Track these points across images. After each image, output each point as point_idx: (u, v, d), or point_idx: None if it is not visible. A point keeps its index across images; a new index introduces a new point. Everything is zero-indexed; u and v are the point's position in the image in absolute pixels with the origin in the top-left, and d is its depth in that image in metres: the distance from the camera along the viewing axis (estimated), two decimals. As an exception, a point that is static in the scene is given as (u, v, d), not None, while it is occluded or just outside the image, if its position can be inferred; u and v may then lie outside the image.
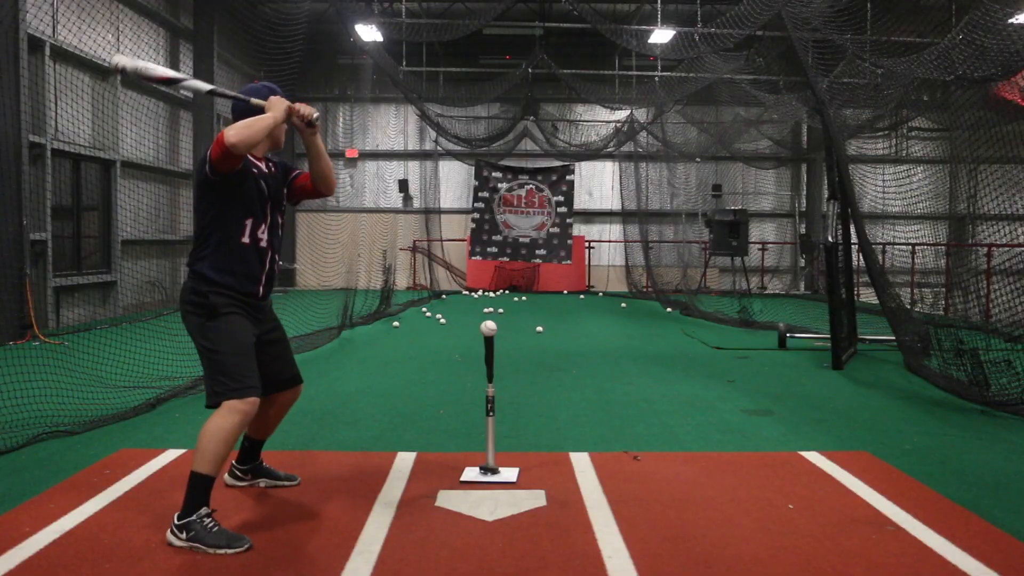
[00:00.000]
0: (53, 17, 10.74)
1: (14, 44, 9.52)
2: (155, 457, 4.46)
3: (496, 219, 18.55)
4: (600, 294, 19.00)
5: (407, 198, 20.90)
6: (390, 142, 20.90)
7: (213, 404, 3.33)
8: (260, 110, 3.42)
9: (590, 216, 21.03)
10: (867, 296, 12.54)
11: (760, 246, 20.06)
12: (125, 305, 12.60)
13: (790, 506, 3.73)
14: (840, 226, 8.33)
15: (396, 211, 20.72)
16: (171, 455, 4.51)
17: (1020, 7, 8.85)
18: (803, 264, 20.25)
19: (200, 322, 3.42)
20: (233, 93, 3.52)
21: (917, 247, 14.89)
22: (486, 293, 18.59)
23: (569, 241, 18.54)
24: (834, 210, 8.23)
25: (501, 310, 14.22)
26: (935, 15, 13.59)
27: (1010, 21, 8.15)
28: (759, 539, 3.33)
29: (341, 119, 20.85)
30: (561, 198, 18.68)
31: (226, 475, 3.97)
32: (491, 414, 4.16)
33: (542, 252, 18.58)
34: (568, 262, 18.73)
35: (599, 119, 20.46)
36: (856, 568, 3.05)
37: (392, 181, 20.86)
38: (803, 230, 20.30)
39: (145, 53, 13.54)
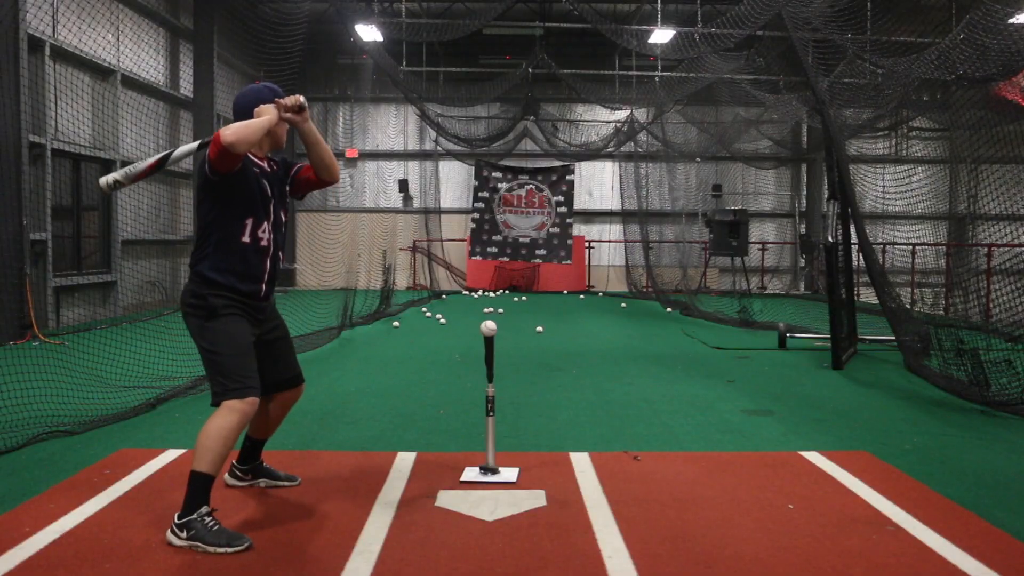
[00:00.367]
0: (53, 17, 10.75)
1: (14, 44, 9.52)
2: (155, 457, 4.46)
3: (496, 219, 18.55)
4: (600, 294, 19.00)
5: (407, 198, 20.90)
6: (390, 142, 20.91)
7: (216, 403, 3.36)
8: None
9: (590, 216, 21.03)
10: (867, 296, 12.54)
11: (760, 246, 20.06)
12: (125, 305, 12.60)
13: (790, 506, 3.73)
14: (840, 226, 8.33)
15: (396, 211, 20.72)
16: (171, 455, 4.51)
17: (1020, 7, 8.85)
18: (803, 264, 20.25)
19: (199, 323, 3.42)
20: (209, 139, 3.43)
21: (917, 247, 14.89)
22: (486, 293, 18.59)
23: (569, 241, 18.54)
24: (834, 210, 8.23)
25: (501, 310, 14.23)
26: (935, 15, 13.60)
27: (1010, 21, 8.16)
28: (759, 539, 3.33)
29: (341, 119, 20.86)
30: (561, 198, 18.68)
31: (226, 475, 3.97)
32: (491, 414, 4.16)
33: (542, 252, 18.58)
34: (568, 262, 18.73)
35: (599, 119, 20.46)
36: (856, 568, 3.05)
37: (392, 181, 20.86)
38: (803, 230, 20.30)
39: (145, 53, 13.54)
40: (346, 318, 10.57)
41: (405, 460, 4.45)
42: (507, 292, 18.96)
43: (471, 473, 4.14)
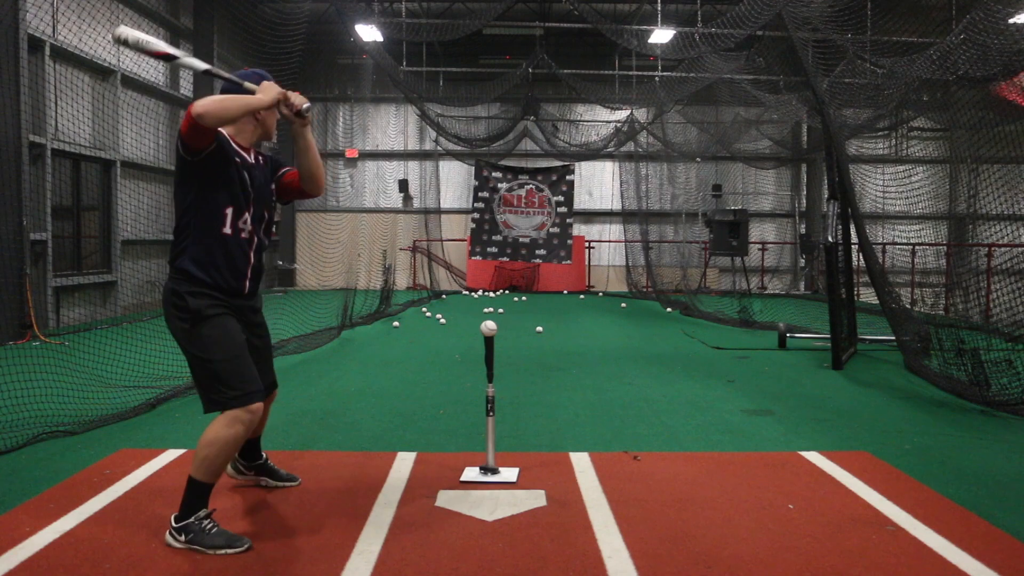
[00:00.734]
0: (53, 17, 10.75)
1: (14, 44, 9.52)
2: (155, 457, 4.46)
3: (496, 219, 18.56)
4: (600, 294, 19.00)
5: (407, 198, 20.91)
6: (390, 142, 20.91)
7: (212, 411, 3.23)
8: (251, 94, 3.28)
9: (590, 216, 21.03)
10: (867, 296, 12.54)
11: (760, 246, 20.06)
12: (125, 305, 12.59)
13: (790, 506, 3.72)
14: (840, 226, 8.33)
15: (396, 211, 20.72)
16: (171, 455, 4.51)
17: (1020, 7, 8.85)
18: (803, 264, 20.25)
19: (185, 328, 3.23)
20: (228, 75, 3.39)
21: (917, 247, 14.89)
22: (486, 293, 18.59)
23: (569, 241, 18.54)
24: (834, 210, 8.22)
25: (501, 310, 14.23)
26: (935, 15, 13.60)
27: (1011, 21, 8.16)
28: (759, 539, 3.33)
29: (341, 119, 20.86)
30: (561, 198, 18.69)
31: (228, 467, 3.84)
32: (491, 414, 4.16)
33: (542, 252, 18.58)
34: (568, 262, 18.73)
35: (599, 119, 20.47)
36: (856, 568, 3.04)
37: (392, 181, 20.87)
38: (803, 230, 20.30)
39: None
40: (346, 318, 10.57)
41: (405, 460, 4.45)
42: (507, 292, 18.96)
43: (471, 473, 4.14)
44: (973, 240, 12.06)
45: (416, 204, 20.72)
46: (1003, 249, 8.68)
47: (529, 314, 13.52)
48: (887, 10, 11.95)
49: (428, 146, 20.53)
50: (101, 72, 12.26)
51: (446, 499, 3.79)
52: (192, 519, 3.17)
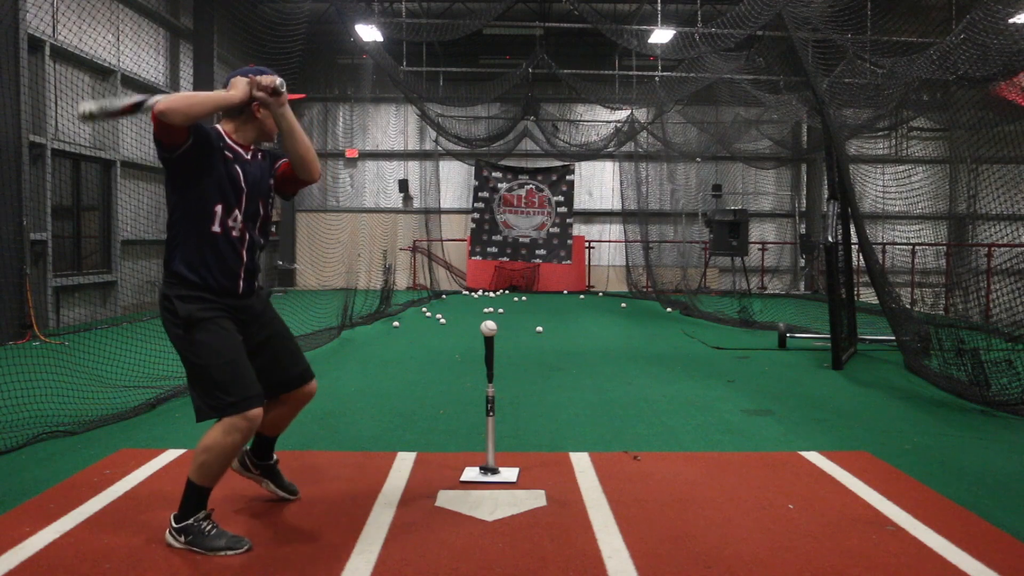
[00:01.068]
0: (53, 17, 10.74)
1: (14, 44, 9.52)
2: (155, 457, 4.46)
3: (496, 219, 18.56)
4: (600, 294, 19.00)
5: (407, 198, 20.91)
6: (390, 142, 20.91)
7: (206, 419, 3.15)
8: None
9: (590, 216, 21.03)
10: (867, 296, 12.54)
11: (760, 246, 20.06)
12: (125, 305, 12.59)
13: (790, 506, 3.73)
14: (840, 226, 8.33)
15: (396, 211, 20.73)
16: (171, 455, 4.51)
17: (1020, 7, 8.84)
18: (803, 264, 20.25)
19: (179, 334, 3.16)
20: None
21: (917, 247, 14.89)
22: (486, 293, 18.59)
23: (569, 241, 18.54)
24: (834, 210, 8.22)
25: (501, 310, 14.22)
26: (935, 15, 13.60)
27: (1011, 21, 8.15)
28: (759, 539, 3.33)
29: (341, 119, 20.86)
30: (561, 198, 18.69)
31: (235, 462, 3.70)
32: (491, 414, 4.16)
33: (542, 252, 18.58)
34: (568, 262, 18.73)
35: (599, 119, 20.46)
36: (856, 568, 3.04)
37: (392, 181, 20.87)
38: (803, 230, 20.30)
39: (145, 53, 13.54)
40: (346, 318, 10.57)
41: (405, 460, 4.45)
42: (507, 292, 18.96)
43: (471, 473, 4.14)
44: (973, 240, 12.06)
45: (416, 204, 20.72)
46: (1003, 249, 8.69)
47: (529, 314, 13.52)
48: (887, 10, 11.95)
49: (428, 146, 20.53)
50: (101, 72, 12.26)
51: (446, 499, 3.79)
52: (191, 520, 3.15)
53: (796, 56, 9.28)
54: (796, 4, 8.74)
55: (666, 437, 5.11)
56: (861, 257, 9.02)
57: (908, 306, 10.96)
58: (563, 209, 18.66)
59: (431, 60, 18.31)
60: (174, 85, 14.82)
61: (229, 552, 3.11)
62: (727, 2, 14.53)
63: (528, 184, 18.72)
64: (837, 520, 3.55)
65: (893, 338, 8.52)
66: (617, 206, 20.13)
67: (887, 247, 15.14)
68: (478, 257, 18.65)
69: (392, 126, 20.96)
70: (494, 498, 3.80)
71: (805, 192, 21.04)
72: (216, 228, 3.20)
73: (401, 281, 18.65)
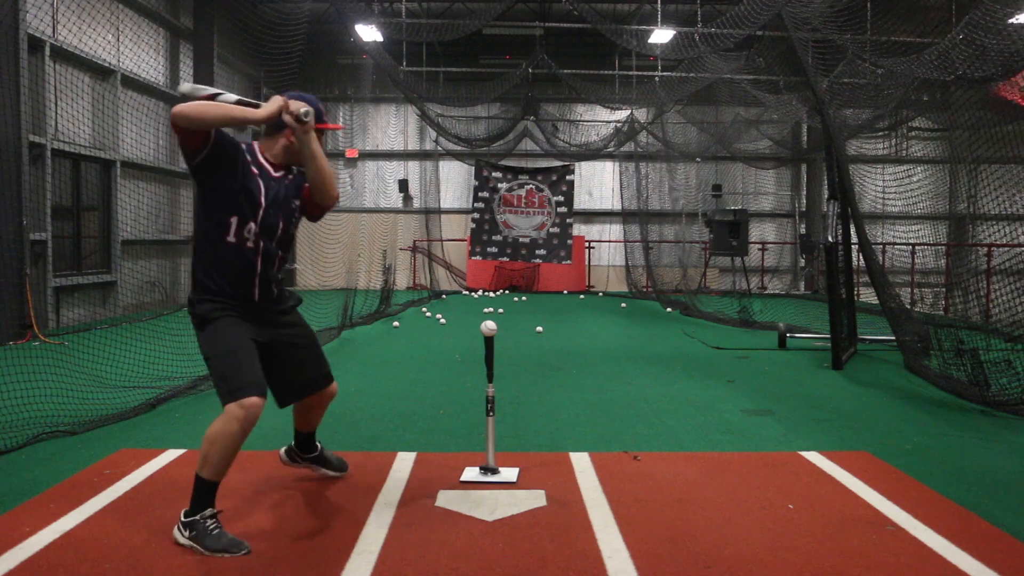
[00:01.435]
0: (53, 17, 10.74)
1: (14, 44, 9.52)
2: (155, 457, 4.46)
3: (496, 219, 18.56)
4: (600, 294, 19.00)
5: (407, 198, 20.91)
6: (390, 142, 20.91)
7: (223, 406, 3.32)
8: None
9: (590, 216, 21.03)
10: (867, 296, 12.54)
11: (760, 246, 20.06)
12: (125, 305, 12.59)
13: (790, 506, 3.73)
14: (840, 226, 8.33)
15: (396, 211, 20.73)
16: (171, 455, 4.51)
17: (1020, 7, 8.85)
18: (803, 264, 20.25)
19: (197, 331, 3.41)
20: (250, 100, 3.43)
21: (917, 247, 14.90)
22: (486, 293, 18.59)
23: (569, 241, 18.54)
24: (834, 210, 8.22)
25: (501, 310, 14.23)
26: (935, 15, 13.59)
27: (1010, 21, 8.15)
28: (759, 539, 3.33)
29: (341, 119, 20.85)
30: (561, 198, 18.69)
31: (282, 452, 4.10)
32: (491, 414, 4.16)
33: (542, 252, 18.58)
34: (568, 262, 18.73)
35: (599, 119, 20.46)
36: (856, 568, 3.05)
37: (392, 181, 20.87)
38: (803, 230, 20.30)
39: (145, 53, 13.54)
40: (346, 318, 10.57)
41: (405, 460, 4.45)
42: (507, 292, 18.96)
43: (471, 473, 4.14)
44: (973, 240, 12.06)
45: (416, 204, 20.72)
46: (1003, 249, 8.69)
47: (529, 314, 13.52)
48: (887, 10, 11.94)
49: (428, 146, 20.52)
50: (101, 72, 12.26)
51: (446, 499, 3.79)
52: (198, 517, 3.19)
53: (796, 56, 9.28)
54: (796, 4, 8.74)
55: (666, 437, 5.11)
56: (861, 257, 9.02)
57: (908, 306, 10.96)
58: (563, 209, 18.66)
59: (431, 60, 18.31)
60: (174, 85, 14.82)
61: (227, 555, 3.12)
62: (727, 2, 14.53)
63: (528, 184, 18.72)
64: (837, 520, 3.55)
65: (893, 338, 8.52)
66: (617, 206, 20.13)
67: (887, 247, 15.14)
68: (478, 257, 18.65)
69: (392, 126, 20.96)
70: (494, 498, 3.81)
71: (805, 192, 21.04)
72: (231, 239, 3.37)
73: (401, 281, 18.65)
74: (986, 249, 11.84)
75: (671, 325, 11.95)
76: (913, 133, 17.77)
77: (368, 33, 13.70)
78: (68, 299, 11.35)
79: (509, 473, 4.14)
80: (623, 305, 15.50)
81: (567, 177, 18.73)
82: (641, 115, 18.76)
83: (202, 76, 15.10)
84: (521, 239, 18.54)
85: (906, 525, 3.49)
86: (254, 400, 3.23)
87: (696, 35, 12.70)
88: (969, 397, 6.20)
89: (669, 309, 14.36)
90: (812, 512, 3.65)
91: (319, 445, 4.05)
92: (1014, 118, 7.26)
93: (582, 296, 18.44)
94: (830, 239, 8.15)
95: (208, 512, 3.20)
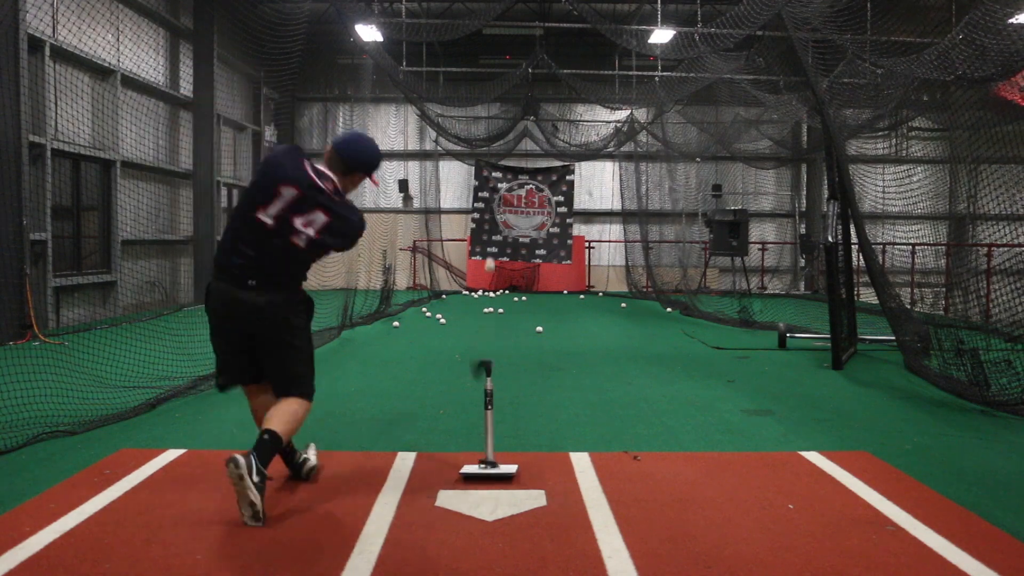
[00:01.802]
0: (53, 17, 10.74)
1: (14, 44, 9.52)
2: (155, 457, 4.46)
3: (496, 219, 18.56)
4: (600, 294, 19.00)
5: (407, 198, 20.91)
6: (390, 142, 20.90)
7: None
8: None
9: (590, 216, 21.03)
10: (867, 296, 12.54)
11: (760, 246, 20.06)
12: (125, 305, 12.59)
13: (790, 506, 3.73)
14: (840, 226, 8.33)
15: (396, 211, 20.72)
16: (171, 455, 4.51)
17: (1020, 7, 8.85)
18: (803, 264, 20.25)
19: (299, 320, 3.96)
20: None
21: (917, 247, 14.90)
22: (486, 293, 18.59)
23: (569, 241, 18.54)
24: (834, 210, 8.22)
25: (501, 310, 14.23)
26: (935, 15, 13.59)
27: (1010, 21, 8.15)
28: (759, 539, 3.33)
29: (341, 119, 20.85)
30: (561, 198, 18.68)
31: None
32: (490, 407, 4.15)
33: (542, 252, 18.58)
34: (568, 262, 18.73)
35: (599, 119, 20.46)
36: (856, 568, 3.05)
37: (392, 181, 20.86)
38: (803, 230, 20.30)
39: (145, 53, 13.54)
40: (346, 318, 10.57)
41: (405, 460, 4.45)
42: (507, 292, 18.96)
43: (470, 467, 4.15)
44: (973, 240, 12.06)
45: (416, 204, 20.72)
46: (1003, 249, 8.69)
47: (529, 314, 13.52)
48: (887, 10, 11.94)
49: (428, 146, 20.52)
50: (101, 72, 12.25)
51: (446, 499, 3.79)
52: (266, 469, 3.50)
53: (796, 56, 9.28)
54: (796, 4, 8.74)
55: (666, 437, 5.11)
56: (861, 257, 9.02)
57: (908, 306, 10.96)
58: (563, 209, 18.65)
59: (431, 60, 18.31)
60: (174, 85, 14.83)
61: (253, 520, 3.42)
62: (727, 2, 14.53)
63: (528, 184, 18.71)
64: (837, 520, 3.55)
65: (893, 338, 8.52)
66: (617, 206, 20.12)
67: (887, 247, 15.14)
68: (478, 257, 18.64)
69: (392, 126, 20.96)
70: (494, 498, 3.81)
71: (805, 192, 21.04)
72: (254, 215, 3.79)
73: (401, 281, 18.64)
74: (986, 249, 11.84)
75: (671, 325, 11.95)
76: (913, 133, 17.77)
77: (368, 33, 13.70)
78: (68, 299, 11.35)
79: (508, 467, 4.15)
80: (623, 305, 15.50)
81: (567, 177, 18.72)
82: (641, 115, 18.76)
83: (202, 76, 15.11)
84: (521, 239, 18.53)
85: (906, 525, 3.49)
86: (225, 383, 3.95)
87: (696, 35, 12.70)
88: (969, 397, 6.20)
89: (669, 309, 14.36)
90: (812, 512, 3.65)
91: (295, 458, 4.17)
92: (1014, 118, 7.26)
93: (582, 296, 18.44)
94: (830, 239, 8.15)
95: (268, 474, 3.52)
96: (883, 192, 12.10)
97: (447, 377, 7.25)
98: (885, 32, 11.58)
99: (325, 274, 15.32)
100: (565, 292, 19.07)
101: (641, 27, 14.62)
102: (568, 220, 18.63)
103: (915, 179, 12.32)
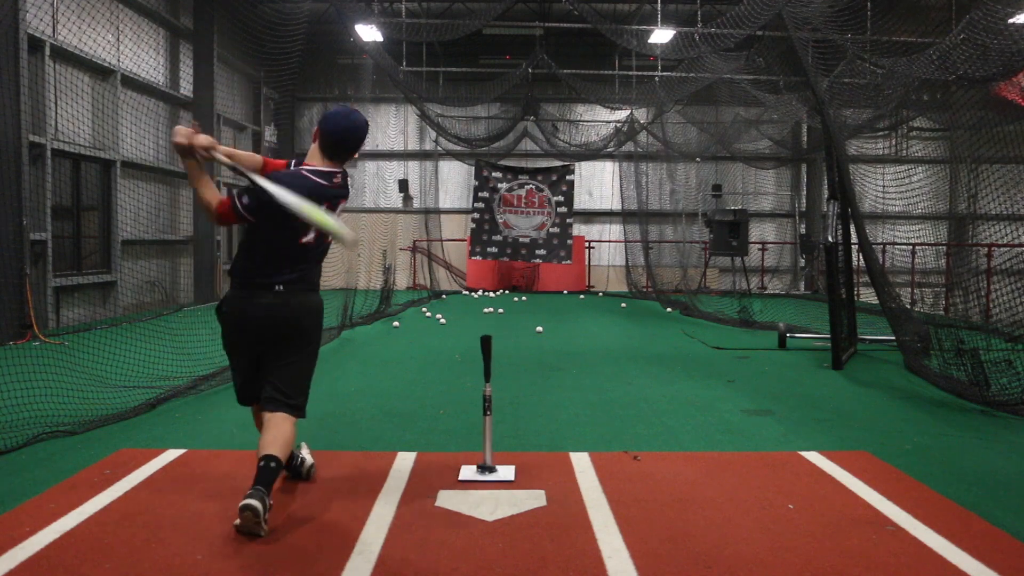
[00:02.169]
0: (53, 17, 10.74)
1: (14, 44, 9.52)
2: (155, 457, 4.46)
3: (496, 219, 18.56)
4: (600, 294, 19.00)
5: (407, 198, 20.91)
6: (390, 142, 20.91)
7: None
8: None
9: (590, 216, 21.03)
10: (867, 296, 12.54)
11: (760, 246, 20.06)
12: (125, 305, 12.59)
13: (790, 506, 3.73)
14: (840, 226, 8.33)
15: (396, 211, 20.72)
16: (171, 455, 4.51)
17: (1020, 7, 8.85)
18: (803, 264, 20.25)
19: (316, 330, 3.83)
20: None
21: (917, 247, 14.89)
22: (486, 293, 18.59)
23: (569, 241, 18.54)
24: (834, 210, 8.22)
25: (501, 310, 14.23)
26: (935, 15, 13.60)
27: (1011, 21, 8.16)
28: (759, 539, 3.33)
29: (341, 119, 20.82)
30: (561, 198, 18.68)
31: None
32: (488, 413, 4.15)
33: (542, 252, 18.57)
34: (568, 262, 18.72)
35: (599, 119, 20.46)
36: (856, 568, 3.05)
37: (392, 181, 20.86)
38: (803, 230, 20.30)
39: (145, 53, 13.54)
40: (346, 318, 10.57)
41: (405, 460, 4.45)
42: (507, 292, 18.96)
43: (468, 472, 4.14)
44: (973, 240, 12.06)
45: (416, 204, 20.72)
46: (1003, 249, 8.69)
47: (529, 314, 13.52)
48: (887, 10, 11.95)
49: (428, 146, 20.52)
50: (101, 72, 12.25)
51: (446, 499, 3.79)
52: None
53: (796, 56, 9.28)
54: (796, 4, 8.74)
55: (666, 437, 5.11)
56: (861, 257, 9.01)
57: (908, 306, 10.96)
58: (563, 209, 18.65)
59: (431, 60, 18.31)
60: (174, 85, 14.83)
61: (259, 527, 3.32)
62: (727, 2, 14.53)
63: (528, 184, 18.71)
64: (837, 520, 3.55)
65: (893, 338, 8.52)
66: (617, 206, 20.12)
67: (887, 247, 15.14)
68: (478, 257, 18.65)
69: (392, 126, 20.96)
70: (494, 498, 3.80)
71: (805, 192, 21.04)
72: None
73: (401, 281, 18.64)
74: (986, 249, 11.84)
75: (671, 325, 11.95)
76: (913, 133, 17.76)
77: (368, 33, 13.70)
78: (68, 299, 11.35)
79: (506, 471, 4.14)
80: (623, 305, 15.50)
81: (567, 177, 18.72)
82: (641, 115, 18.75)
83: (202, 76, 15.11)
84: (521, 239, 18.53)
85: (906, 525, 3.49)
86: (244, 405, 3.92)
87: (696, 35, 12.70)
88: (969, 397, 6.20)
89: (669, 309, 14.36)
90: (812, 512, 3.65)
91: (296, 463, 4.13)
92: (1015, 118, 7.26)
93: (582, 296, 18.44)
94: (830, 239, 8.15)
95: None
96: (883, 192, 12.10)
97: (447, 377, 7.25)
98: (885, 32, 11.58)
99: (325, 274, 15.34)
100: (565, 292, 19.07)
101: (641, 27, 14.63)
102: (568, 220, 18.63)
103: (915, 179, 12.31)
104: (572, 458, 4.51)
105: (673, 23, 14.33)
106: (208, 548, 3.20)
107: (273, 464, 3.40)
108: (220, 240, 15.64)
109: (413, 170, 20.89)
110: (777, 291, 19.59)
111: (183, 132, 3.48)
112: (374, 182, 20.98)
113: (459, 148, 19.35)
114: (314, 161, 3.68)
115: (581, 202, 20.58)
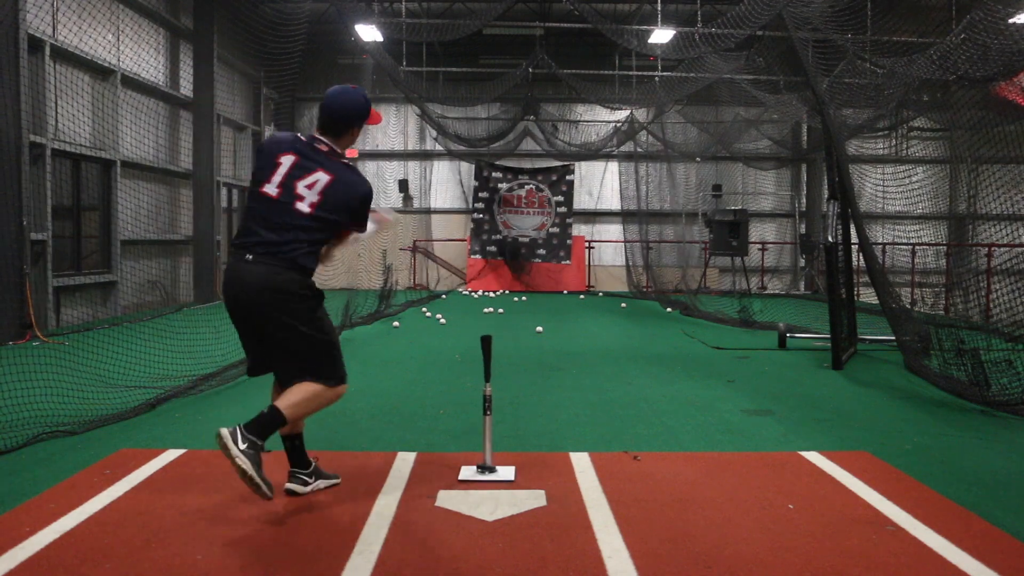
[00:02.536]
0: (53, 17, 10.74)
1: (14, 44, 9.52)
2: (155, 457, 4.46)
3: (496, 219, 18.57)
4: (600, 294, 19.00)
5: (407, 198, 20.91)
6: (390, 142, 20.91)
7: None
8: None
9: (590, 216, 21.03)
10: (867, 296, 12.55)
11: (760, 246, 20.06)
12: (125, 305, 12.59)
13: (790, 506, 3.73)
14: (840, 226, 8.33)
15: (396, 211, 20.72)
16: (171, 455, 4.51)
17: (1021, 7, 8.85)
18: (803, 264, 20.25)
19: (308, 306, 3.77)
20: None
21: (917, 247, 14.90)
22: (486, 293, 18.59)
23: (569, 241, 18.54)
24: (834, 210, 8.22)
25: (501, 310, 14.22)
26: (935, 15, 13.60)
27: (1011, 21, 8.16)
28: (759, 539, 3.33)
29: (341, 119, 20.83)
30: (561, 198, 18.69)
31: (290, 485, 3.83)
32: (488, 413, 4.15)
33: (542, 252, 18.59)
34: (568, 262, 18.73)
35: (599, 119, 20.47)
36: (856, 568, 3.05)
37: (392, 181, 20.87)
38: (803, 230, 20.30)
39: (145, 53, 13.54)
40: (346, 318, 10.57)
41: (405, 460, 4.45)
42: (507, 292, 18.97)
43: (468, 472, 4.14)
44: (973, 240, 12.06)
45: (416, 204, 20.72)
46: (1003, 249, 8.68)
47: (529, 314, 13.52)
48: (887, 10, 11.95)
49: (428, 146, 20.52)
50: (101, 72, 12.25)
51: (446, 499, 3.79)
52: (260, 442, 3.43)
53: (796, 56, 9.29)
54: (796, 4, 8.74)
55: (666, 437, 5.11)
56: (861, 257, 9.01)
57: (908, 306, 10.96)
58: (563, 209, 18.67)
59: (431, 60, 18.32)
60: (174, 85, 14.83)
61: (260, 486, 3.37)
62: (727, 2, 14.54)
63: (528, 184, 18.72)
64: (837, 520, 3.55)
65: (893, 338, 8.52)
66: (617, 206, 20.12)
67: (887, 247, 15.14)
68: (478, 257, 18.65)
69: (392, 126, 20.96)
70: (494, 498, 3.80)
71: (805, 192, 21.04)
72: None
73: (401, 281, 18.65)
74: (986, 249, 11.84)
75: (671, 325, 11.95)
76: (913, 133, 17.76)
77: (368, 33, 13.70)
78: (68, 299, 11.35)
79: (506, 471, 4.14)
80: (623, 305, 15.50)
81: (567, 177, 18.73)
82: (641, 115, 18.76)
83: (202, 76, 15.11)
84: (521, 239, 18.53)
85: (906, 525, 3.49)
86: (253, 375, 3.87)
87: (696, 35, 12.70)
88: (969, 397, 6.20)
89: (669, 309, 14.35)
90: (812, 512, 3.65)
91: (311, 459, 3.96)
92: (1015, 118, 7.26)
93: (582, 296, 18.44)
94: (830, 239, 8.15)
95: (263, 444, 3.43)
96: (883, 192, 12.10)
97: (447, 377, 7.25)
98: (886, 32, 11.59)
99: (325, 274, 15.34)
100: (565, 292, 19.07)
101: (641, 27, 14.63)
102: (568, 220, 18.64)
103: (915, 179, 12.31)
104: (572, 458, 4.51)
105: (673, 23, 14.33)
106: (208, 548, 3.20)
107: (265, 411, 3.45)
108: (220, 240, 15.64)
109: (413, 170, 20.90)
110: (777, 291, 19.59)
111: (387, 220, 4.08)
112: (374, 182, 20.89)
113: (459, 148, 19.37)
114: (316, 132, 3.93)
115: (581, 202, 20.59)
